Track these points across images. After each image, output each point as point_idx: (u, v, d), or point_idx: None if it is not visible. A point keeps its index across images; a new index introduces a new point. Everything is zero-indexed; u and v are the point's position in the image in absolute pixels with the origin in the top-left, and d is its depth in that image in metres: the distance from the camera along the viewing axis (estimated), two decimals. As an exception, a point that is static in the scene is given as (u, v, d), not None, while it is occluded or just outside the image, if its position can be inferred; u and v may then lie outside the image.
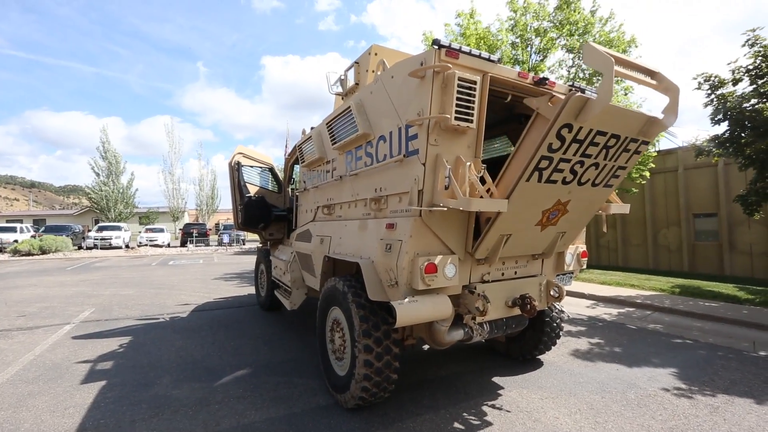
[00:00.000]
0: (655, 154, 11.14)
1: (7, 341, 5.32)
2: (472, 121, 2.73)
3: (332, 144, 4.10)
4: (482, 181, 2.76)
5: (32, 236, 22.42)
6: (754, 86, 6.93)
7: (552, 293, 3.49)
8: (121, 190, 32.67)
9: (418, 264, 2.69)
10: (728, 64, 7.22)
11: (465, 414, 3.24)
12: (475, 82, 2.70)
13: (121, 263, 16.13)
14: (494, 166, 4.52)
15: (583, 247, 3.89)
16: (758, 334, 5.45)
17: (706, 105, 7.36)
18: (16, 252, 19.06)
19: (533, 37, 12.34)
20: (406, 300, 2.61)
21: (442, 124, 2.66)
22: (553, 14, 11.95)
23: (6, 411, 3.36)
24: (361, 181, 3.61)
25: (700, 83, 7.58)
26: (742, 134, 6.93)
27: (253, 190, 6.52)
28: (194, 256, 19.29)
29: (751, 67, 6.89)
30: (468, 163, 2.66)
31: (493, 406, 3.37)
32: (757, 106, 6.88)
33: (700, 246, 12.03)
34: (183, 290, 9.33)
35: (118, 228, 25.04)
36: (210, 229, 28.76)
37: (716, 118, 7.15)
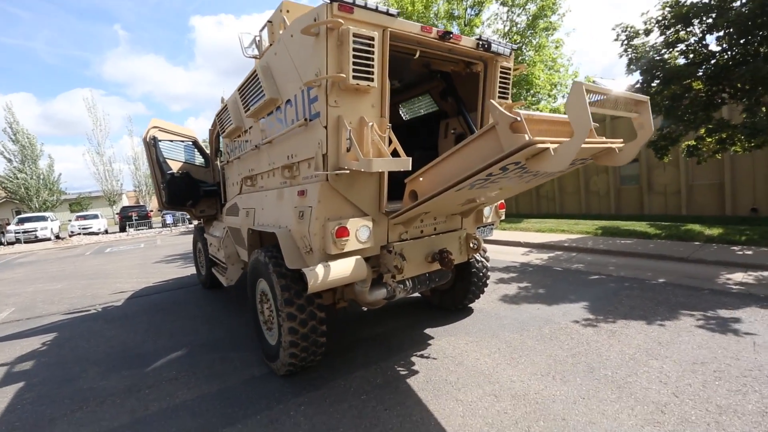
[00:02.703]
0: None
1: None
2: (372, 80, 2.65)
3: (245, 112, 3.86)
4: (390, 141, 2.74)
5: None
6: (663, 36, 7.37)
7: (471, 245, 3.67)
8: (41, 176, 29.39)
9: (329, 229, 2.69)
10: (641, 15, 7.58)
11: (395, 366, 3.42)
12: (372, 38, 2.60)
13: (49, 257, 14.80)
14: (426, 124, 4.56)
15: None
16: (659, 264, 6.17)
17: (620, 56, 7.76)
18: None
19: (467, -10, 12.14)
20: (318, 265, 2.62)
21: (341, 84, 2.56)
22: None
23: None
24: (275, 149, 3.47)
25: (618, 34, 7.93)
26: (653, 83, 7.43)
27: (175, 166, 6.09)
28: (135, 241, 18.10)
29: (660, 18, 7.28)
30: (371, 123, 2.62)
31: (421, 356, 3.58)
32: (664, 56, 7.36)
33: (624, 189, 13.14)
34: (119, 278, 8.79)
35: (44, 218, 22.76)
36: (151, 211, 26.93)
37: (630, 68, 7.58)
